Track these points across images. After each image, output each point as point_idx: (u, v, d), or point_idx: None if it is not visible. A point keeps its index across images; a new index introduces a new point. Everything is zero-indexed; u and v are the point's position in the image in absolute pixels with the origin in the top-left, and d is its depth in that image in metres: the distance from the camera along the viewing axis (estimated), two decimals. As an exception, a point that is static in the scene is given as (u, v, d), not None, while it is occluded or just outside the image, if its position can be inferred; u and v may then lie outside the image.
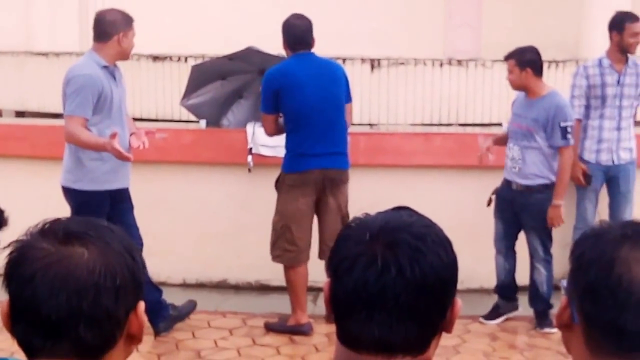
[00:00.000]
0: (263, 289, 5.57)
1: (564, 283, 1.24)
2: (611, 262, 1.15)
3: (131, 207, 4.53)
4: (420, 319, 1.14)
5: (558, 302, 1.27)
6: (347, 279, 1.15)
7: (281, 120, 4.72)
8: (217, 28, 9.15)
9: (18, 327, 1.16)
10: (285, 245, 4.68)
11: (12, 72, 8.67)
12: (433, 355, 1.20)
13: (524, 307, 5.01)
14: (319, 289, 4.73)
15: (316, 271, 4.67)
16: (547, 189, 4.75)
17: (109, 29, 4.30)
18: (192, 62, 7.09)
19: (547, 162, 4.74)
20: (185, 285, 5.54)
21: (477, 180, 5.32)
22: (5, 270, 1.18)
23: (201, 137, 5.60)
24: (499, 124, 6.69)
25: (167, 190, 5.50)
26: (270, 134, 4.80)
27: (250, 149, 5.41)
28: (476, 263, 5.06)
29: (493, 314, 4.99)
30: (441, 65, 7.66)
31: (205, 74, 5.86)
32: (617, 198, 5.24)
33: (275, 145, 5.39)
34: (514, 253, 5.02)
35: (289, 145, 4.67)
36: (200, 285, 5.62)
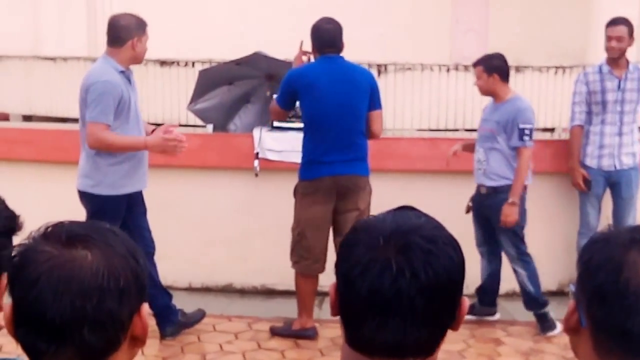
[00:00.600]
0: (269, 293, 5.57)
1: (572, 287, 1.24)
2: (619, 266, 1.15)
3: (144, 211, 4.55)
4: (433, 321, 1.15)
5: (565, 306, 1.27)
6: (360, 284, 1.14)
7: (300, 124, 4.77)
8: (224, 33, 9.18)
9: (21, 330, 1.15)
10: (302, 252, 4.64)
11: (19, 77, 8.71)
12: (438, 353, 1.20)
13: (528, 313, 5.00)
14: (325, 294, 4.74)
15: (322, 276, 4.68)
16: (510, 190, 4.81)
17: (123, 34, 4.32)
18: (199, 67, 7.11)
19: (509, 164, 4.81)
20: (191, 289, 5.55)
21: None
22: (8, 275, 1.18)
23: (208, 141, 5.61)
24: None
25: (174, 194, 5.51)
26: (274, 119, 5.06)
27: (257, 153, 5.42)
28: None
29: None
30: (448, 70, 7.68)
31: (212, 78, 5.88)
32: (619, 204, 5.24)
33: (281, 150, 5.40)
34: (495, 258, 5.04)
35: (303, 152, 4.61)
36: (206, 289, 5.63)
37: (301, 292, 4.69)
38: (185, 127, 6.53)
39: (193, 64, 7.91)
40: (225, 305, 5.38)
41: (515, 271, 4.93)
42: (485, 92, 4.96)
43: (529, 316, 5.03)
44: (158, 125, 6.68)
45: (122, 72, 4.32)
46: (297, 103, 4.67)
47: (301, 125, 4.76)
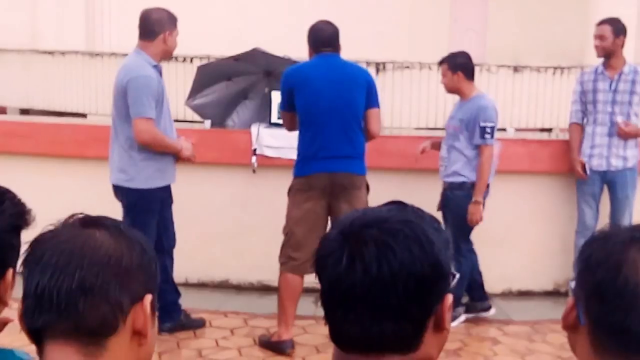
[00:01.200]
0: (265, 289, 5.57)
1: (572, 284, 1.24)
2: (619, 264, 1.15)
3: (171, 202, 4.65)
4: (396, 316, 1.11)
5: (562, 306, 1.28)
6: (323, 277, 1.16)
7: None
8: (223, 29, 9.18)
9: (27, 313, 1.15)
10: (290, 251, 4.49)
11: (18, 70, 8.70)
12: (435, 353, 1.18)
13: (524, 312, 5.01)
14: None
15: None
16: (466, 188, 4.82)
17: (156, 28, 4.34)
18: (197, 63, 7.12)
19: (467, 161, 4.83)
20: (187, 285, 5.54)
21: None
22: (22, 261, 1.20)
23: (206, 137, 5.60)
24: (503, 129, 6.71)
25: (171, 189, 5.50)
26: (289, 129, 4.67)
27: (255, 149, 5.42)
28: (482, 265, 5.07)
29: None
30: (446, 69, 7.67)
31: (210, 74, 5.88)
32: (615, 203, 5.25)
33: (279, 147, 5.39)
34: (470, 251, 5.00)
35: (298, 148, 4.50)
36: (202, 285, 5.63)
37: (282, 299, 4.52)
38: (183, 123, 6.53)
39: (191, 59, 7.92)
40: (222, 301, 5.39)
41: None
42: (450, 89, 4.99)
43: (525, 316, 5.03)
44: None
45: (154, 66, 4.34)
46: None
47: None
